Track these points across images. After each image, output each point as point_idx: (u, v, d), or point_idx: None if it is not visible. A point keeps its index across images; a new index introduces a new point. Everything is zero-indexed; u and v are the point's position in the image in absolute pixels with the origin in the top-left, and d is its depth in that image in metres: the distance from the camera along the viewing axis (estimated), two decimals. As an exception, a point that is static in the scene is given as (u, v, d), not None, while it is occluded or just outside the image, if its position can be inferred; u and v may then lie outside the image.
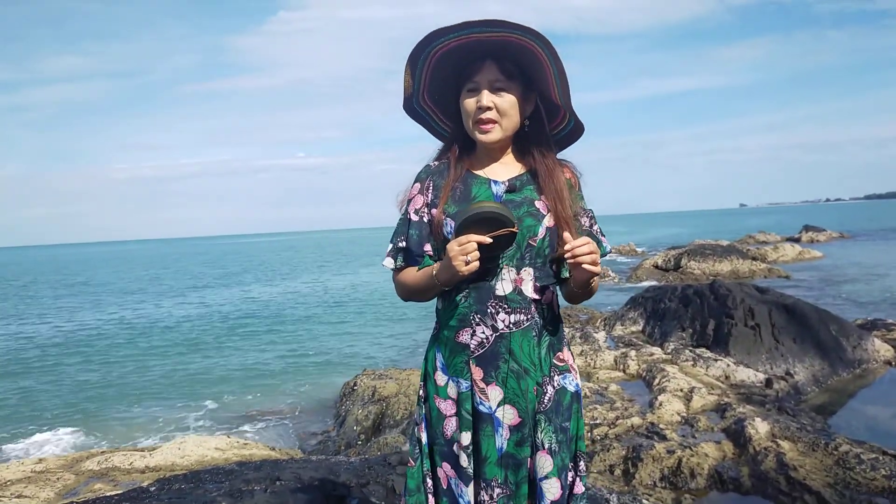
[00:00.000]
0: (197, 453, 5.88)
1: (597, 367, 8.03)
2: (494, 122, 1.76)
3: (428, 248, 1.86)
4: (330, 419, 8.95)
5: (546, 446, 1.77)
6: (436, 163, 1.93)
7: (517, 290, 1.78)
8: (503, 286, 1.77)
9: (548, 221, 1.79)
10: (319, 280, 35.36)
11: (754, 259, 25.48)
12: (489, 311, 1.76)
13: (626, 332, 10.29)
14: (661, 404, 6.39)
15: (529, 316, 1.79)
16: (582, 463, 1.86)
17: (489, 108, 1.74)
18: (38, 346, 18.08)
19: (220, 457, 5.76)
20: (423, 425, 1.88)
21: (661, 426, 5.91)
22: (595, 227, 1.88)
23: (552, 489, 1.76)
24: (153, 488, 3.36)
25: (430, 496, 1.84)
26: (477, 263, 1.65)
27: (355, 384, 8.91)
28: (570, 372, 1.86)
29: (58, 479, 5.32)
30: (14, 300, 33.38)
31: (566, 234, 1.68)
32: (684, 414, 6.24)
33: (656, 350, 8.45)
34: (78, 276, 53.33)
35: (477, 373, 1.78)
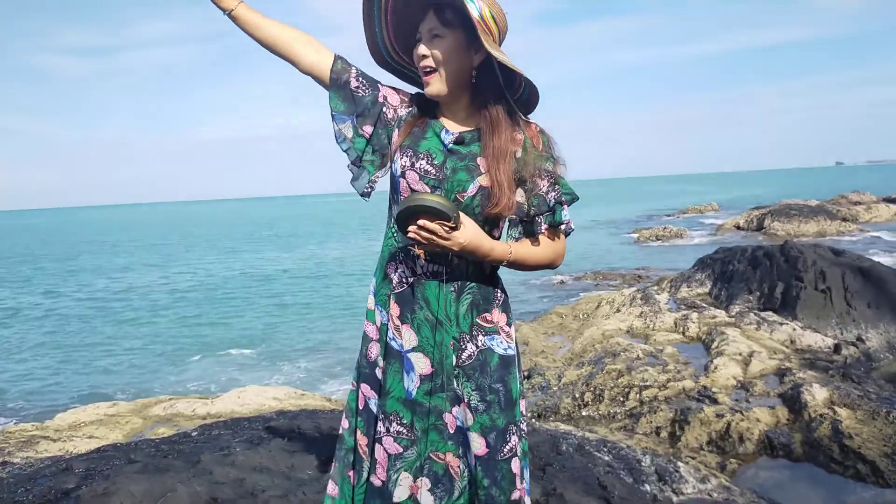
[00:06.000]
0: (256, 402, 6.15)
1: (655, 329, 7.88)
2: (433, 70, 1.73)
3: (367, 128, 1.82)
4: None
5: (465, 400, 1.75)
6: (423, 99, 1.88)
7: None
8: None
9: (484, 180, 1.72)
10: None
11: (844, 220, 24.18)
12: (411, 252, 1.74)
13: (691, 294, 10.02)
14: (716, 368, 6.23)
15: (449, 270, 1.75)
16: (523, 427, 1.80)
17: (425, 56, 1.72)
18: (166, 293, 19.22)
19: (276, 406, 6.00)
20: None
21: (713, 390, 5.76)
22: (552, 195, 1.75)
23: (475, 442, 1.74)
24: (195, 433, 3.57)
25: (359, 418, 1.87)
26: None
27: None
28: (498, 334, 1.79)
29: (126, 422, 5.69)
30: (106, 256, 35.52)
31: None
32: (741, 378, 6.06)
33: (720, 313, 8.20)
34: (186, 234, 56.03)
35: (395, 309, 1.78)
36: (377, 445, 1.79)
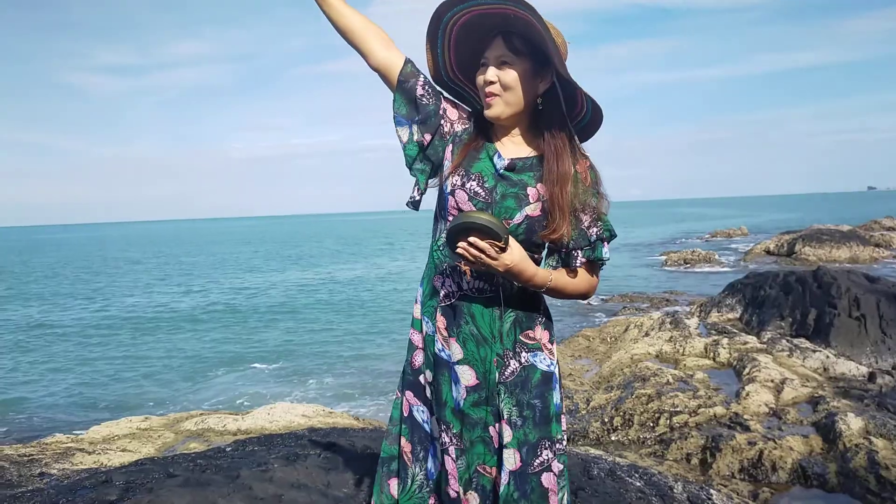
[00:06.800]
0: (285, 419, 6.21)
1: (685, 354, 7.81)
2: (497, 95, 1.75)
3: (426, 136, 1.84)
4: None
5: (505, 417, 1.77)
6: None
7: None
8: None
9: (531, 210, 1.75)
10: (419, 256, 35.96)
11: (877, 245, 23.76)
12: (458, 268, 1.76)
13: (721, 319, 9.93)
14: (748, 394, 6.16)
15: (493, 288, 1.78)
16: (559, 444, 1.81)
17: (492, 83, 1.74)
18: (177, 314, 19.49)
19: (305, 423, 6.04)
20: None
21: (745, 417, 5.70)
22: (594, 231, 1.77)
23: (510, 459, 1.76)
24: (229, 448, 3.62)
25: (404, 425, 1.91)
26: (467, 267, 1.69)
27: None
28: (541, 351, 1.81)
29: (159, 436, 5.78)
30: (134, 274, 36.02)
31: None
32: (773, 405, 5.99)
33: (751, 339, 8.11)
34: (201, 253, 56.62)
35: (441, 322, 1.82)
36: (446, 457, 1.81)
